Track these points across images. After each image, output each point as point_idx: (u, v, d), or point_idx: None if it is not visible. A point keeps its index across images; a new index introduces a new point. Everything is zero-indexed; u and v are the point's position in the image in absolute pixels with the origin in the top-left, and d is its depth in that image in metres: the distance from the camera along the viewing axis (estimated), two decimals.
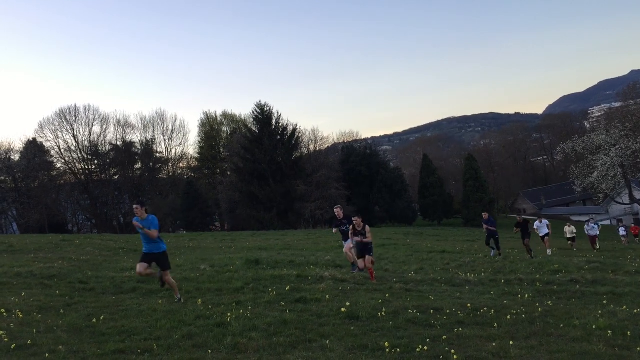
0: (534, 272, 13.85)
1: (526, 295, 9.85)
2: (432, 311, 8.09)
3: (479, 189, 65.23)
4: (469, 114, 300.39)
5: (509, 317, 7.68)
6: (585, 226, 27.77)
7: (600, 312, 8.11)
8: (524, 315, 7.82)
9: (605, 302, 9.28)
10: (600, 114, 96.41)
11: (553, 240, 23.70)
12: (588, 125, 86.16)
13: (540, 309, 8.29)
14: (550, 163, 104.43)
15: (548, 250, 21.16)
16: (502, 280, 12.05)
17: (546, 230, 21.49)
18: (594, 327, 7.03)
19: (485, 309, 8.26)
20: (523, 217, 22.35)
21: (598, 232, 27.27)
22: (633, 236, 35.39)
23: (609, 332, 6.70)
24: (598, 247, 26.07)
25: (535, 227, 21.88)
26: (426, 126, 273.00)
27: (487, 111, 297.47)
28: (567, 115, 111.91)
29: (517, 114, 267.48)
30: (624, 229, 33.43)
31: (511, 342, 6.19)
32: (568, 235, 27.25)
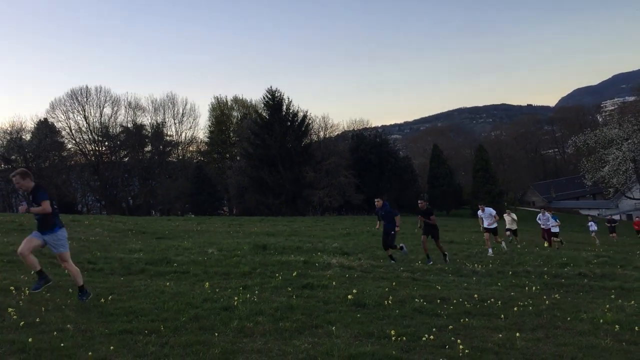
0: (542, 265, 13.80)
1: (533, 288, 9.81)
2: (438, 301, 8.08)
3: (488, 180, 65.02)
4: (481, 104, 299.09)
5: (515, 308, 7.65)
6: (540, 216, 21.92)
7: (608, 306, 8.07)
8: (531, 308, 7.79)
9: (613, 296, 9.22)
10: (613, 107, 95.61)
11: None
12: (601, 119, 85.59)
13: (547, 302, 8.26)
14: (561, 156, 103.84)
15: (489, 250, 16.48)
16: (510, 272, 12.01)
17: (490, 222, 17.32)
18: (601, 321, 7.00)
19: (492, 300, 8.24)
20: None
21: (553, 227, 21.77)
22: (636, 232, 34.61)
23: (617, 326, 6.67)
24: (561, 242, 21.92)
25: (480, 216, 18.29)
26: (437, 116, 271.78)
27: (498, 102, 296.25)
28: (580, 108, 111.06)
29: (529, 105, 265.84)
30: (594, 223, 30.43)
31: (517, 334, 6.17)
32: (507, 225, 22.24)
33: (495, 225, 17.37)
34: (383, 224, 13.31)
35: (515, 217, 22.32)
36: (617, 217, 62.92)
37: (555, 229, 22.01)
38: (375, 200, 13.50)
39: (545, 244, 20.81)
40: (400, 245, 14.02)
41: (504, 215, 22.86)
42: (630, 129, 50.02)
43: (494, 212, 17.41)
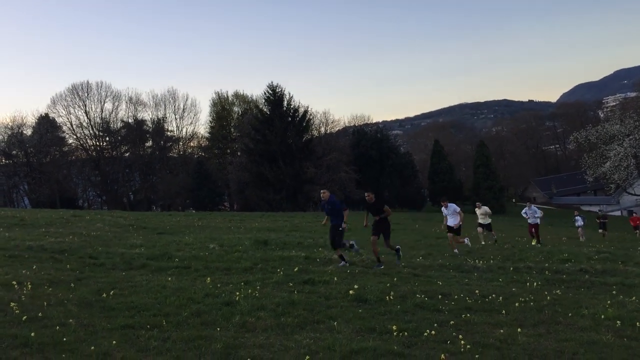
0: (543, 261, 13.79)
1: (535, 284, 9.81)
2: (440, 296, 8.08)
3: (489, 175, 65.04)
4: (482, 100, 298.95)
5: (517, 304, 7.66)
6: (525, 210, 21.12)
7: (609, 302, 8.06)
8: (532, 303, 7.80)
9: (614, 292, 9.22)
10: (615, 103, 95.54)
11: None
12: (602, 115, 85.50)
13: (548, 298, 8.26)
14: (562, 152, 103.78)
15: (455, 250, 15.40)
16: (511, 268, 12.01)
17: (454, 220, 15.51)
18: (602, 317, 7.00)
19: (493, 295, 8.24)
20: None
21: (538, 220, 20.78)
22: (633, 228, 33.52)
23: (618, 322, 6.66)
24: (540, 242, 20.12)
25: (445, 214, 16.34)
26: (438, 112, 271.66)
27: (500, 98, 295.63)
28: (582, 104, 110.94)
29: (530, 101, 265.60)
30: (581, 218, 28.26)
31: (519, 330, 6.18)
32: (479, 220, 20.41)
33: (460, 224, 15.43)
34: (330, 219, 11.71)
35: (488, 210, 20.53)
36: (617, 212, 62.95)
37: (535, 221, 20.81)
38: (321, 192, 12.01)
39: (534, 242, 19.90)
40: (351, 242, 12.46)
41: (475, 209, 20.80)
42: (632, 125, 49.90)
43: (458, 208, 15.49)
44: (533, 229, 20.61)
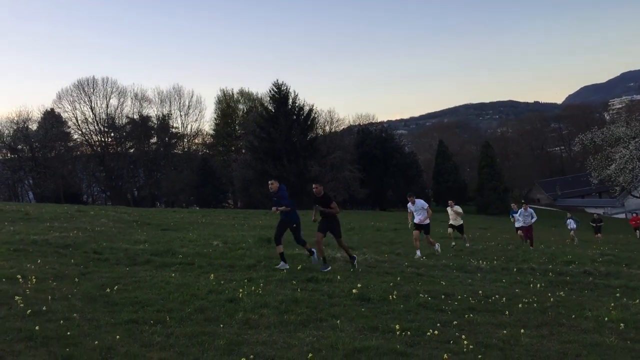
0: (547, 262, 13.78)
1: (538, 285, 9.80)
2: (443, 296, 8.08)
3: (494, 176, 64.96)
4: (487, 101, 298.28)
5: (520, 305, 7.65)
6: (521, 211, 19.77)
7: (612, 304, 8.05)
8: (535, 305, 7.78)
9: (618, 295, 9.20)
10: (621, 105, 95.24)
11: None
12: (608, 117, 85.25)
13: (552, 299, 8.24)
14: (567, 154, 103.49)
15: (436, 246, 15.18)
16: (515, 269, 12.00)
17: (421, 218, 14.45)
18: (606, 319, 6.98)
19: (496, 296, 8.23)
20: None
21: (533, 221, 19.37)
22: (634, 229, 33.01)
23: (622, 324, 6.65)
24: (531, 247, 18.61)
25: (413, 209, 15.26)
26: (443, 112, 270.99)
27: (505, 99, 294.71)
28: (587, 106, 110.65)
29: (536, 102, 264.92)
30: (573, 221, 27.17)
31: (522, 331, 6.17)
32: (451, 221, 18.63)
33: (428, 221, 14.31)
34: (281, 213, 10.78)
35: (460, 210, 18.46)
36: (622, 215, 62.75)
37: (521, 224, 19.74)
38: (269, 182, 10.72)
39: (530, 246, 18.53)
40: (312, 249, 11.23)
41: (447, 208, 18.81)
42: (638, 128, 49.81)
43: (426, 205, 14.41)
44: (527, 232, 19.22)
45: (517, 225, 20.29)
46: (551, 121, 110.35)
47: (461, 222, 18.43)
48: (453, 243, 16.92)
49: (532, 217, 19.30)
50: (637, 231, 32.30)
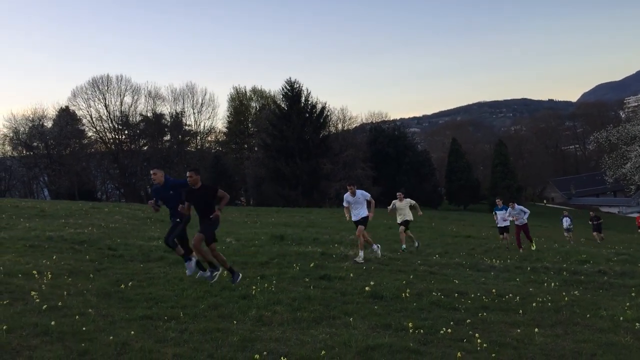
0: (561, 262, 13.69)
1: (552, 284, 9.74)
2: (456, 295, 8.05)
3: (507, 175, 64.57)
4: (501, 99, 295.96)
5: (534, 304, 7.60)
6: (510, 210, 17.74)
7: (628, 304, 7.98)
8: (549, 304, 7.74)
9: (633, 294, 9.12)
10: (636, 103, 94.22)
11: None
12: (623, 115, 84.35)
13: (566, 298, 8.19)
14: (582, 152, 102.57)
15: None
16: (528, 268, 11.94)
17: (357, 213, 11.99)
18: (621, 318, 6.93)
19: (510, 295, 8.19)
20: None
21: (526, 218, 17.44)
22: (638, 228, 32.20)
23: (637, 324, 6.59)
24: (533, 246, 17.20)
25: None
26: (456, 110, 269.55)
27: (519, 97, 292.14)
28: (602, 104, 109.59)
29: (550, 100, 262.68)
30: (569, 220, 25.43)
31: (536, 330, 6.13)
32: (397, 219, 15.28)
33: (365, 214, 11.80)
34: (171, 213, 8.72)
35: (412, 202, 15.36)
36: (637, 214, 62.08)
37: (505, 223, 18.07)
38: (152, 172, 8.87)
39: (520, 250, 16.68)
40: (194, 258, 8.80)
41: (395, 201, 15.22)
42: None
43: (368, 195, 11.97)
44: (521, 231, 17.31)
45: (500, 224, 18.19)
46: (566, 119, 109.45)
47: (409, 217, 15.00)
48: (403, 246, 14.40)
49: (525, 213, 17.38)
50: None
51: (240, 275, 8.37)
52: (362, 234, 11.68)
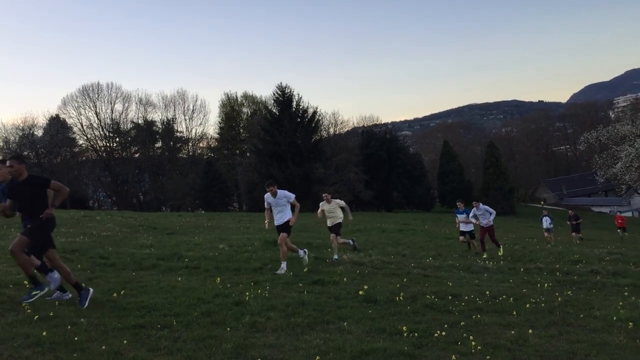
0: (554, 262, 13.74)
1: (545, 285, 9.77)
2: (450, 297, 8.06)
3: (499, 176, 64.74)
4: (491, 100, 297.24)
5: (528, 305, 7.62)
6: (474, 210, 16.32)
7: (621, 303, 8.01)
8: (543, 305, 7.76)
9: (626, 293, 9.16)
10: (626, 104, 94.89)
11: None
12: (613, 115, 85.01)
13: (560, 299, 8.21)
14: (572, 153, 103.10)
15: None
16: (522, 269, 11.98)
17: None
18: (614, 318, 6.95)
19: (504, 296, 8.21)
20: None
21: (492, 219, 16.09)
22: (617, 228, 29.88)
23: (630, 324, 6.61)
24: (500, 252, 15.74)
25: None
26: (447, 112, 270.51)
27: (510, 98, 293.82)
28: (592, 104, 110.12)
29: (540, 102, 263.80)
30: (549, 220, 24.32)
31: (530, 331, 6.14)
32: (330, 222, 13.39)
33: (288, 218, 10.68)
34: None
35: (342, 203, 13.55)
36: (629, 214, 62.45)
37: (469, 227, 16.76)
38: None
39: (484, 254, 15.36)
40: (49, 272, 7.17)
41: (322, 203, 13.44)
42: None
43: (292, 196, 10.85)
44: (486, 233, 16.02)
45: (463, 228, 16.90)
46: (556, 120, 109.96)
47: (338, 220, 13.19)
48: (335, 257, 12.54)
49: (490, 214, 15.97)
50: (620, 231, 28.99)
51: (92, 291, 6.99)
52: (285, 242, 10.52)
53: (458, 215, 17.21)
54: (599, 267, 12.59)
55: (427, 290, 8.56)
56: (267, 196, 10.74)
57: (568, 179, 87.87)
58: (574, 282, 10.39)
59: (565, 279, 10.81)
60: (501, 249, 15.98)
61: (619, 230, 29.37)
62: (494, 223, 16.40)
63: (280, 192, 10.65)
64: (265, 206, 10.86)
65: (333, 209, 12.91)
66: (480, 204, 16.28)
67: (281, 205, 10.68)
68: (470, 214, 16.40)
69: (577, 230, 25.40)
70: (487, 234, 15.98)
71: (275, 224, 10.74)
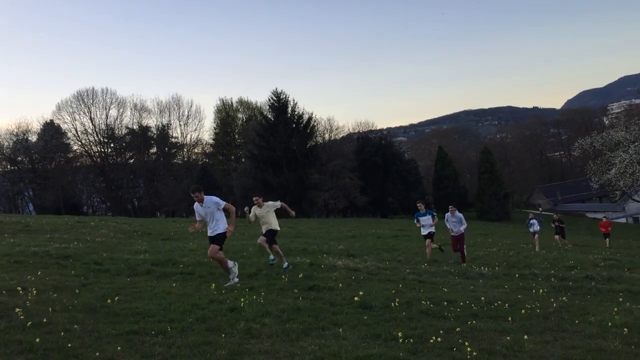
0: (549, 268, 13.76)
1: (541, 290, 9.77)
2: (445, 303, 8.04)
3: (494, 182, 64.81)
4: (486, 107, 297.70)
5: (523, 311, 7.61)
6: (447, 215, 15.43)
7: (616, 309, 8.02)
8: (538, 310, 7.75)
9: (621, 299, 9.18)
10: (619, 110, 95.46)
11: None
12: (607, 122, 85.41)
13: (555, 305, 8.21)
14: (567, 159, 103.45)
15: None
16: (517, 275, 11.98)
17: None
18: (609, 324, 6.95)
19: (499, 302, 8.20)
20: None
21: (462, 228, 15.09)
22: (603, 234, 28.30)
23: (625, 329, 6.61)
24: (464, 265, 14.15)
25: None
26: (442, 118, 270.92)
27: (504, 104, 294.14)
28: (586, 110, 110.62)
29: (535, 108, 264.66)
30: (537, 222, 23.47)
31: (525, 337, 6.13)
32: (264, 228, 11.91)
33: (222, 229, 9.63)
34: None
35: (277, 205, 11.93)
36: (623, 219, 62.66)
37: (430, 230, 15.24)
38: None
39: (462, 263, 14.55)
40: None
41: (253, 207, 11.79)
42: (637, 132, 49.80)
43: (222, 203, 9.84)
44: (457, 243, 15.04)
45: (423, 232, 15.40)
46: (550, 126, 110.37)
47: (272, 227, 11.68)
48: (271, 257, 11.64)
49: (462, 224, 14.93)
50: (607, 238, 27.48)
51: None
52: (215, 255, 9.41)
53: (419, 218, 15.34)
54: (594, 273, 12.61)
55: (423, 296, 8.55)
56: (196, 206, 9.76)
57: (563, 185, 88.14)
58: (569, 288, 10.39)
59: (560, 284, 10.82)
60: (464, 265, 14.01)
61: (606, 239, 27.53)
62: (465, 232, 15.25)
63: (208, 198, 9.60)
64: (197, 217, 9.83)
65: (265, 214, 11.41)
66: (457, 211, 15.11)
67: (211, 214, 9.59)
68: (445, 220, 15.37)
69: (562, 234, 25.06)
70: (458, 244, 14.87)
71: (209, 234, 9.67)
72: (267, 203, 11.42)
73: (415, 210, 15.76)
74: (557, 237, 24.96)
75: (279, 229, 11.67)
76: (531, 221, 23.81)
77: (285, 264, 11.28)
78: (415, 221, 15.90)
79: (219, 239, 9.43)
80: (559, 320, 7.18)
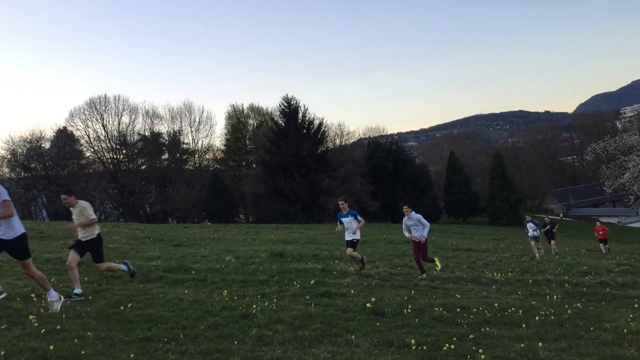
0: (562, 274, 13.63)
1: (555, 297, 9.68)
2: (458, 309, 7.99)
3: (505, 187, 64.54)
4: (497, 111, 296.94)
5: (537, 318, 7.54)
6: (404, 219, 12.50)
7: (631, 316, 7.92)
8: (552, 317, 7.68)
9: (636, 305, 9.05)
10: (632, 114, 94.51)
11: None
12: (620, 126, 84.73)
13: (569, 311, 8.13)
14: (579, 163, 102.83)
15: None
16: (530, 281, 11.88)
17: None
18: (625, 331, 6.86)
19: (512, 309, 8.13)
20: None
21: (425, 232, 12.39)
22: (599, 241, 26.14)
23: None
24: (438, 267, 13.03)
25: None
26: (453, 123, 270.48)
27: (516, 109, 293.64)
28: (599, 114, 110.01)
29: (546, 112, 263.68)
30: (534, 226, 21.76)
31: (540, 344, 6.07)
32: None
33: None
34: None
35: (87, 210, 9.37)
36: (637, 224, 62.03)
37: (355, 235, 12.37)
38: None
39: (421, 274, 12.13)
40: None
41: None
42: None
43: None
44: (419, 249, 12.27)
45: (347, 237, 12.32)
46: (562, 130, 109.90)
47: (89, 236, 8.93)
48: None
49: (424, 226, 12.29)
50: (602, 244, 25.51)
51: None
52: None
53: (341, 219, 12.42)
54: (608, 278, 12.48)
55: (435, 302, 8.50)
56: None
57: (575, 189, 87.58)
58: (583, 294, 10.29)
59: (574, 290, 10.72)
60: (424, 275, 12.04)
61: (602, 245, 25.51)
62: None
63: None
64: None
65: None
66: (412, 212, 12.26)
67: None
68: (403, 226, 12.72)
69: (553, 237, 23.52)
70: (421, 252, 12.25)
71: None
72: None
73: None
74: (552, 243, 23.43)
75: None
76: (527, 224, 22.03)
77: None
78: (337, 223, 12.83)
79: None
80: (573, 327, 7.10)
